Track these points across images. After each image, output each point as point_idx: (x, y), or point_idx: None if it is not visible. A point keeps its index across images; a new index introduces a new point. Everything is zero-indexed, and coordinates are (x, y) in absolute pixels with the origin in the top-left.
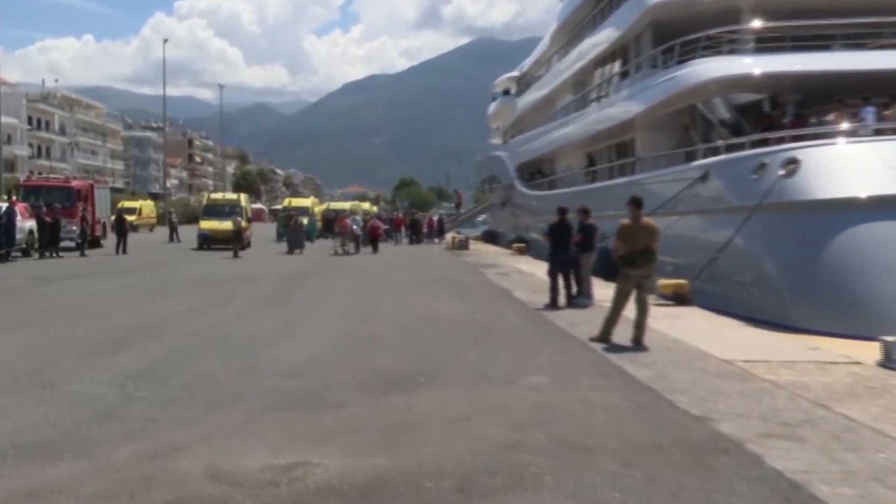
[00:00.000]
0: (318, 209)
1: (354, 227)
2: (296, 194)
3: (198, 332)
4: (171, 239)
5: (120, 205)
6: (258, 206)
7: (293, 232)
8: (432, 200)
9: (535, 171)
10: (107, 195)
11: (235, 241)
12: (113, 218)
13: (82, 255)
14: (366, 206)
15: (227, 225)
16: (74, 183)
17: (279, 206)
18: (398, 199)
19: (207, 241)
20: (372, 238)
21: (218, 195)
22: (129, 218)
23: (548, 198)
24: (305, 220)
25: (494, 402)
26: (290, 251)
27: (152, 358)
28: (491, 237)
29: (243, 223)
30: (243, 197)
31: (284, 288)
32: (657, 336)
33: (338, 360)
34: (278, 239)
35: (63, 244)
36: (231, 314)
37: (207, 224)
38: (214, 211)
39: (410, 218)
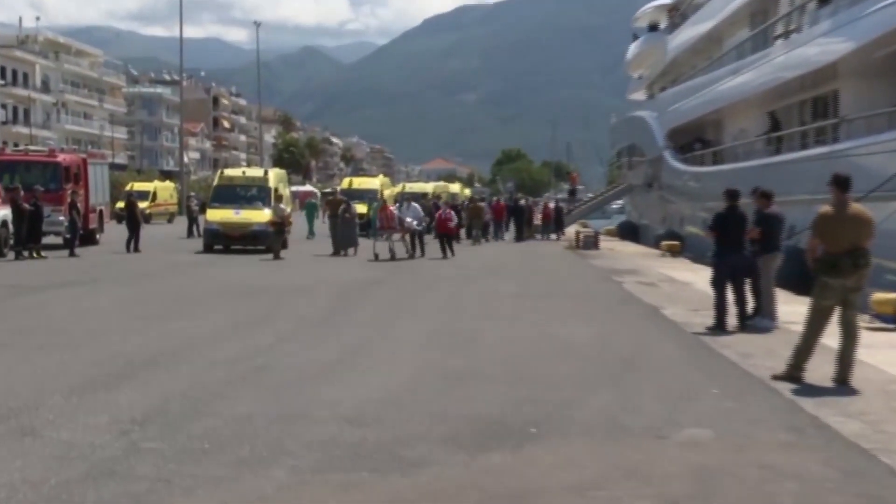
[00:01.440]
0: (390, 192)
1: (409, 218)
2: (358, 172)
3: (227, 362)
4: (191, 233)
5: (129, 186)
6: (307, 188)
7: (345, 225)
8: (547, 181)
9: (694, 139)
10: (104, 174)
11: (275, 239)
12: (120, 205)
13: (72, 254)
14: (454, 188)
15: (247, 217)
16: (62, 157)
17: (332, 189)
18: (500, 179)
19: (217, 241)
20: (441, 234)
21: (235, 171)
22: (141, 205)
23: (712, 176)
24: (363, 209)
25: (636, 463)
26: (337, 252)
27: (165, 396)
28: (629, 231)
29: (287, 210)
30: (274, 174)
31: (343, 302)
32: (871, 373)
33: (418, 402)
34: (310, 234)
35: (46, 240)
36: (272, 338)
37: (218, 214)
38: (228, 195)
39: (513, 205)
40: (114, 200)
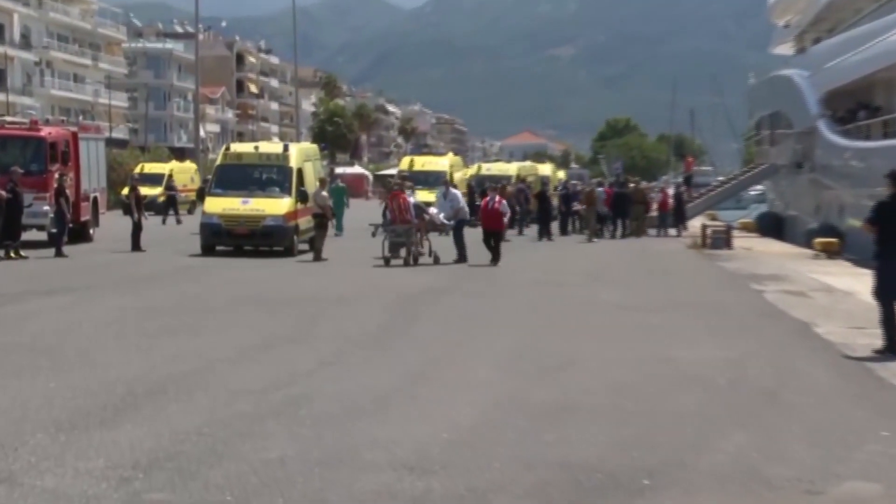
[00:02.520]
0: (462, 176)
1: (434, 209)
2: (422, 149)
3: (254, 391)
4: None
5: (139, 169)
6: (356, 170)
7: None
8: (665, 160)
9: (858, 105)
10: (99, 152)
11: (318, 235)
12: (125, 192)
13: (59, 253)
14: (545, 169)
15: (258, 207)
16: (46, 131)
17: (390, 171)
18: (604, 159)
19: (217, 239)
20: (489, 231)
21: (245, 146)
22: (153, 192)
23: (882, 152)
24: (428, 197)
25: None
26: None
27: (176, 434)
28: (772, 225)
29: (329, 198)
30: (298, 150)
31: (399, 316)
32: None
33: (497, 443)
34: (338, 231)
35: (27, 235)
36: (312, 360)
37: (219, 204)
38: (236, 178)
39: (617, 190)
40: (112, 186)
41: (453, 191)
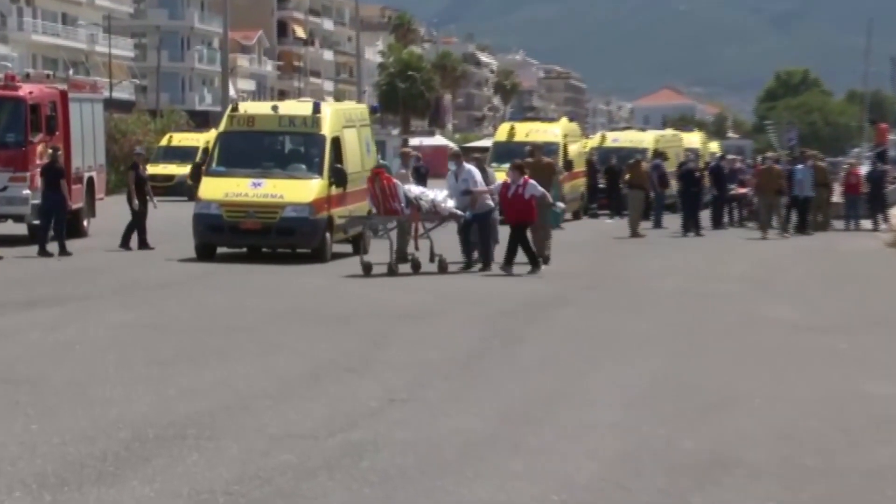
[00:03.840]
0: (580, 148)
1: (434, 195)
2: (525, 113)
3: (301, 436)
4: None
5: (165, 140)
6: (437, 140)
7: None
8: (856, 126)
9: None
10: (97, 116)
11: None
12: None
13: (43, 252)
14: (693, 139)
15: (274, 191)
16: (26, 90)
17: (483, 143)
18: (775, 125)
19: (217, 235)
20: (516, 224)
21: (258, 106)
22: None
23: None
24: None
25: None
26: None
27: (198, 493)
28: None
29: (405, 174)
30: (335, 111)
31: (494, 334)
32: None
33: None
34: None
35: (1, 228)
36: (377, 395)
37: (220, 187)
38: (243, 150)
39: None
40: (113, 163)
41: (468, 166)
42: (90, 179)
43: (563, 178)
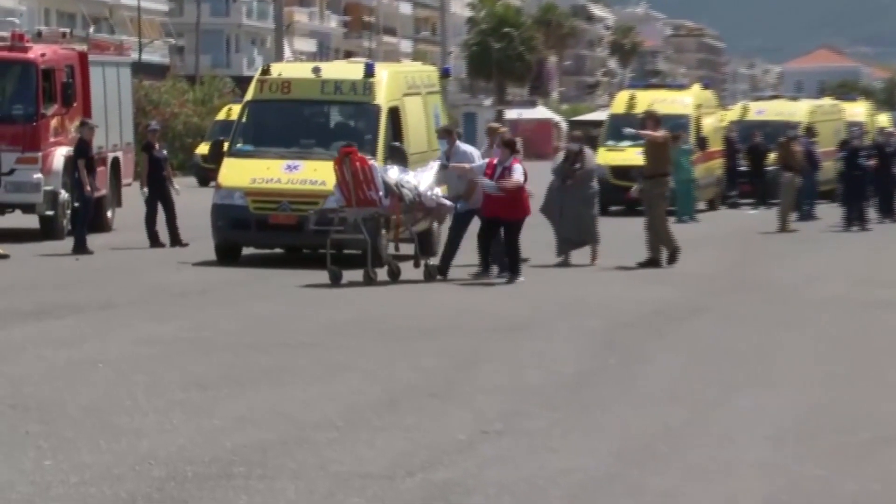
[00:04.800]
0: (717, 122)
1: (422, 184)
2: (648, 78)
3: (372, 476)
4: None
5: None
6: (538, 113)
7: (569, 196)
8: None
9: None
10: (124, 84)
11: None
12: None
13: (81, 248)
14: (856, 110)
15: (313, 176)
16: (37, 52)
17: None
18: None
19: (241, 233)
20: (493, 220)
21: (295, 68)
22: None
23: None
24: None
25: None
26: (564, 251)
27: None
28: None
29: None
30: (393, 74)
31: (610, 352)
32: None
33: None
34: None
35: (7, 220)
36: (466, 426)
37: (245, 172)
38: (276, 124)
39: None
40: (140, 137)
41: (463, 146)
42: (115, 161)
43: (696, 158)
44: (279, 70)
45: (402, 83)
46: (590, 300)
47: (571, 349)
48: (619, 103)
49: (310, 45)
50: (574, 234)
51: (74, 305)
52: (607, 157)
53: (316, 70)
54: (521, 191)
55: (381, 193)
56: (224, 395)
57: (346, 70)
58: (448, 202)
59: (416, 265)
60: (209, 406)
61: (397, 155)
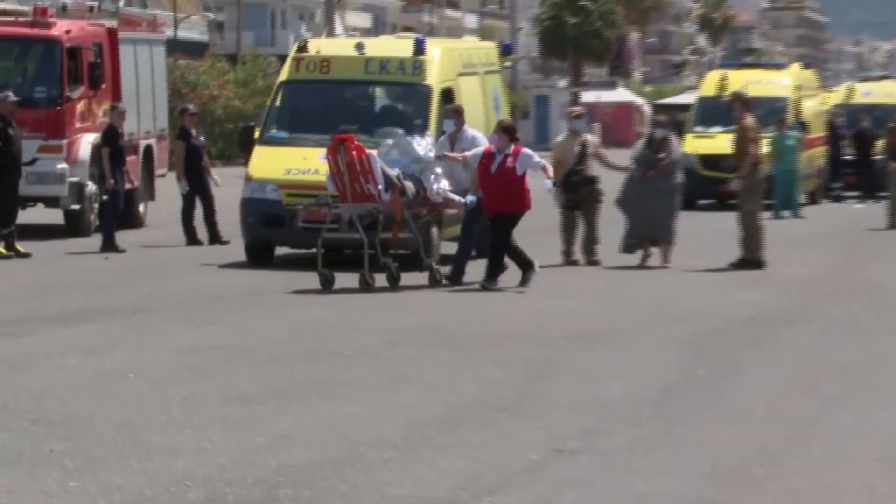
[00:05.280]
0: (818, 104)
1: (437, 183)
2: (741, 57)
3: (432, 500)
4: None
5: (227, 100)
6: (617, 95)
7: (648, 188)
8: None
9: None
10: (157, 63)
11: (587, 218)
12: (179, 141)
13: (110, 246)
14: None
15: None
16: (62, 28)
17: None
18: None
19: (274, 231)
20: (499, 216)
21: (336, 44)
22: None
23: None
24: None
25: None
26: (630, 249)
27: None
28: None
29: (597, 143)
30: (450, 52)
31: (701, 363)
32: None
33: None
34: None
35: (30, 214)
36: (537, 445)
37: (278, 163)
38: (313, 108)
39: None
40: (175, 122)
41: (472, 131)
42: (147, 149)
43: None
44: (318, 47)
45: (457, 61)
46: (676, 305)
47: (656, 359)
48: (709, 85)
49: (364, 21)
50: (648, 231)
51: (103, 310)
52: (695, 144)
53: (359, 47)
54: (522, 181)
55: (380, 187)
56: (269, 410)
57: (394, 46)
58: (457, 197)
59: (421, 269)
60: (252, 422)
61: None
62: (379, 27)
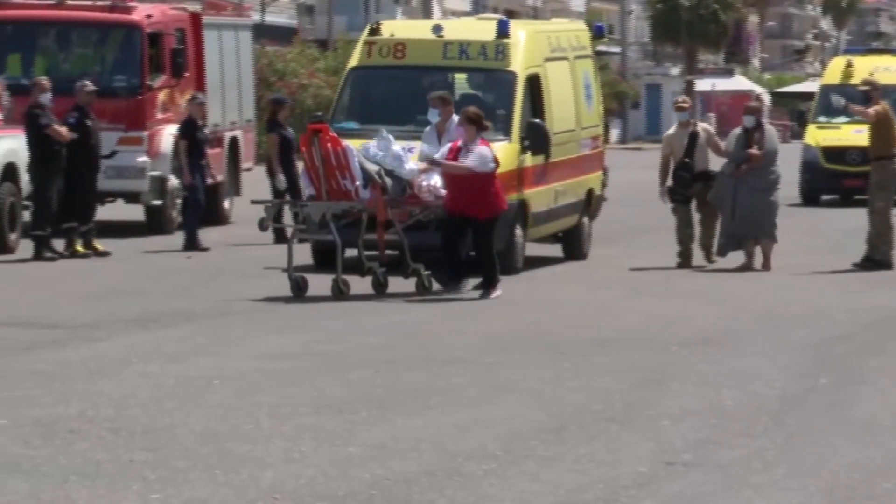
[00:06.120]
0: None
1: (422, 176)
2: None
3: None
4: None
5: (318, 89)
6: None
7: (744, 185)
8: None
9: None
10: (243, 50)
11: (704, 220)
12: (271, 134)
13: (192, 244)
14: None
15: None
16: (142, 14)
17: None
18: None
19: (342, 230)
20: (460, 218)
21: (412, 26)
22: None
23: None
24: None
25: None
26: (726, 251)
27: None
28: None
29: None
30: (535, 34)
31: (824, 371)
32: None
33: None
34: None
35: (109, 210)
36: (647, 453)
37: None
38: (386, 96)
39: None
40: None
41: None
42: (233, 142)
43: None
44: (391, 29)
45: (544, 45)
46: (795, 309)
47: (774, 366)
48: (833, 72)
49: (463, 4)
50: (746, 230)
51: (185, 312)
52: (819, 136)
53: (437, 29)
54: (491, 181)
55: (358, 183)
56: (362, 420)
57: (475, 29)
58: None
59: (406, 275)
60: (344, 432)
61: (537, 134)
62: (479, 10)
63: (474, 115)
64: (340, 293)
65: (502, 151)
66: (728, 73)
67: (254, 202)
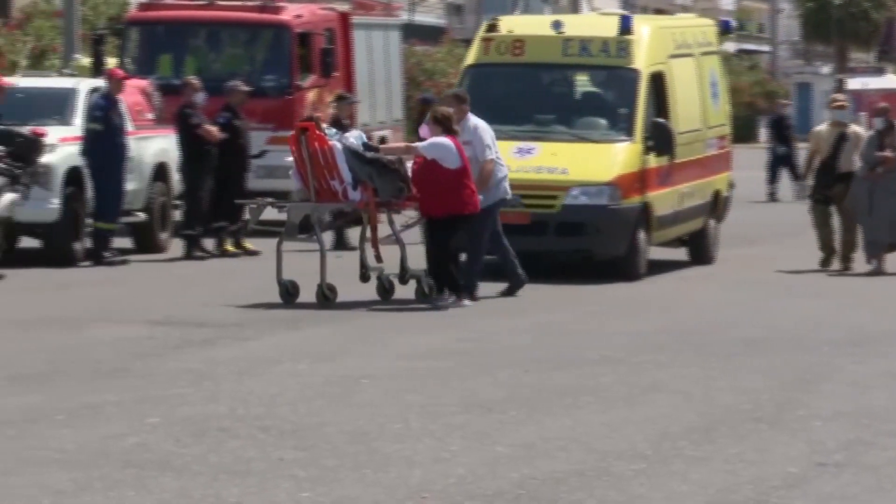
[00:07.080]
0: None
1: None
2: None
3: None
4: None
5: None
6: (886, 80)
7: (884, 189)
8: None
9: None
10: (392, 50)
11: (845, 222)
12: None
13: (341, 244)
14: None
15: (559, 162)
16: (291, 13)
17: None
18: None
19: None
20: (438, 220)
21: (531, 23)
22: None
23: None
24: None
25: None
26: (873, 255)
27: None
28: None
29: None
30: (659, 31)
31: None
32: None
33: None
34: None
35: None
36: (798, 454)
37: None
38: (504, 95)
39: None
40: (411, 113)
41: (474, 120)
42: (382, 142)
43: None
44: (510, 25)
45: (669, 41)
46: None
47: None
48: None
49: (613, 2)
50: (887, 234)
51: (333, 311)
52: None
53: (556, 25)
54: (462, 177)
55: (346, 184)
56: (510, 419)
57: (596, 24)
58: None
59: (403, 280)
60: (493, 431)
61: (661, 135)
62: (628, 8)
63: (441, 117)
64: (326, 299)
65: (626, 155)
66: (880, 71)
67: (238, 203)
